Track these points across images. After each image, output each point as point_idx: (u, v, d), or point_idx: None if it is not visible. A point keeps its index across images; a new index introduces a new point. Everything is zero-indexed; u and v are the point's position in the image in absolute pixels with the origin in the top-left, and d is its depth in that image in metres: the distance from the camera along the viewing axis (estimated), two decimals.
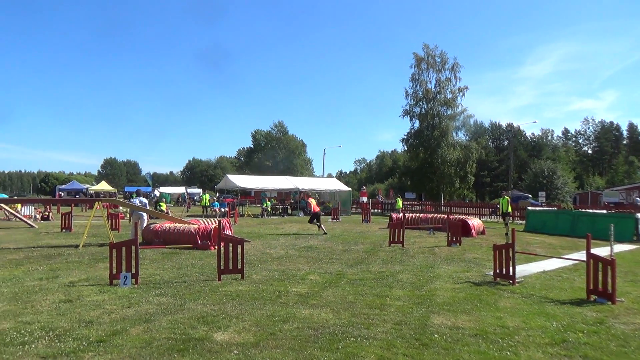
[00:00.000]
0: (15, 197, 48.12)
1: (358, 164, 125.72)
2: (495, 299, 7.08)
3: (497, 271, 8.55)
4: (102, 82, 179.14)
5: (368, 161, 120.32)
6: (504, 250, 8.46)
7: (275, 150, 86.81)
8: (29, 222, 21.51)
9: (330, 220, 26.78)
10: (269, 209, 31.50)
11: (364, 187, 52.09)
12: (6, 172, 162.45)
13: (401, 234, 14.06)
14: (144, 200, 15.13)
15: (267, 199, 33.59)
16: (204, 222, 14.92)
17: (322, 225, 18.23)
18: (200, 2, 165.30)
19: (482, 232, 18.19)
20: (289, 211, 33.59)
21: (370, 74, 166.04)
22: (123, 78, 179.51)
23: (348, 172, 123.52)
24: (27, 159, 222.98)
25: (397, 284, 8.23)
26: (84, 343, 4.84)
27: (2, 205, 23.06)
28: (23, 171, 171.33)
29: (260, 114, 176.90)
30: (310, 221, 18.56)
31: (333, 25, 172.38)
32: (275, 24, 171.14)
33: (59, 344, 4.82)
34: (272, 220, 27.27)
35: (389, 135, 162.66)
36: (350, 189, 38.40)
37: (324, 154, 55.57)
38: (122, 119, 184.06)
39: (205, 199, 33.35)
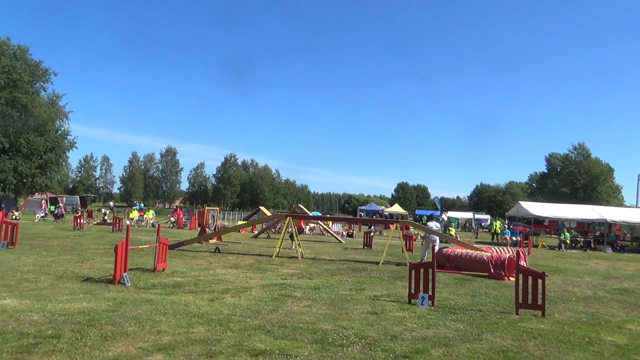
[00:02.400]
0: (327, 215, 56.11)
1: None
2: None
3: None
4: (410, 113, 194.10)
5: None
6: None
7: (574, 176, 77.86)
8: (338, 237, 24.82)
9: None
10: (568, 241, 28.32)
11: None
12: (319, 193, 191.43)
13: None
14: (438, 225, 15.64)
15: (565, 230, 30.29)
16: (497, 250, 14.43)
17: (294, 242, 17.04)
18: None
19: None
20: (593, 245, 29.50)
21: None
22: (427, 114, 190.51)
23: None
24: (335, 182, 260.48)
25: None
26: (390, 355, 5.26)
27: (319, 222, 27.37)
28: (332, 193, 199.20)
29: (557, 136, 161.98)
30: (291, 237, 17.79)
31: None
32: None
33: (370, 351, 5.36)
34: (571, 254, 24.41)
35: None
36: None
37: (639, 180, 46.82)
38: (415, 146, 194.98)
39: (496, 226, 32.25)
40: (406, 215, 66.57)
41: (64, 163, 50.85)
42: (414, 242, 22.19)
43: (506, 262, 12.53)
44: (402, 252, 16.19)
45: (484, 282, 11.59)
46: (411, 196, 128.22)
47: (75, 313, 6.39)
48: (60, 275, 9.58)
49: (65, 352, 4.78)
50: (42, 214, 32.91)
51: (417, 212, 73.14)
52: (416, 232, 28.30)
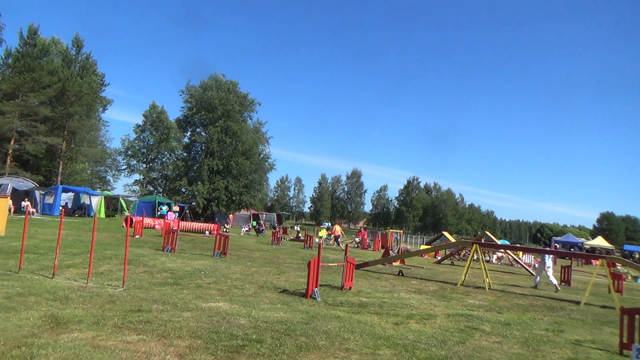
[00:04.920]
0: (518, 245, 52.13)
1: None
2: None
3: None
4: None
5: None
6: None
7: None
8: (529, 269, 22.83)
9: None
10: None
11: None
12: (506, 220, 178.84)
13: None
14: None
15: None
16: None
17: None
18: None
19: None
20: None
21: None
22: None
23: None
24: (525, 209, 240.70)
25: None
26: None
27: (508, 251, 25.58)
28: (520, 220, 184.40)
29: None
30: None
31: None
32: None
33: None
34: None
35: None
36: None
37: None
38: (620, 174, 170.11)
39: None
40: (612, 250, 57.99)
41: (265, 183, 57.12)
42: (623, 282, 19.22)
43: None
44: (609, 292, 14.17)
45: None
46: (618, 229, 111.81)
47: (274, 321, 7.05)
48: (262, 285, 10.68)
49: (266, 357, 5.30)
50: (247, 229, 37.15)
51: (626, 247, 62.86)
52: (626, 270, 24.50)
